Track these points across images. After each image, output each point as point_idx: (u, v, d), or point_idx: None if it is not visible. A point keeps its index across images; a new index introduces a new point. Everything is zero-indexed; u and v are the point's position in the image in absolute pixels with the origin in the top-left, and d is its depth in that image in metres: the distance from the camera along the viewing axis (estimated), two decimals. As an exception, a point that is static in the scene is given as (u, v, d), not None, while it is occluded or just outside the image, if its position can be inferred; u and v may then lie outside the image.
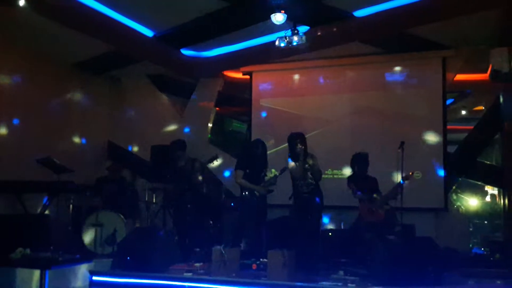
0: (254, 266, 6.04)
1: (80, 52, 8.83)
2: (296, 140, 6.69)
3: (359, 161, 7.15)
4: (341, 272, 5.94)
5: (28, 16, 6.98)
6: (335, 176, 8.83)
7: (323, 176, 7.09)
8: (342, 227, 8.07)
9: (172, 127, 9.98)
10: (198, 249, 6.79)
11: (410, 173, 6.96)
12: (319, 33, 7.63)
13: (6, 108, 8.16)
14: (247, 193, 6.89)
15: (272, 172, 7.84)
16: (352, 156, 7.28)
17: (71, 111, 9.50)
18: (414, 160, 8.17)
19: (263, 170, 7.04)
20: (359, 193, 6.90)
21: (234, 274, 5.78)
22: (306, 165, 6.68)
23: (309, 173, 6.71)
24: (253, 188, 6.85)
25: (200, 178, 7.94)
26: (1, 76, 8.14)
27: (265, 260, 5.90)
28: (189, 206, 7.74)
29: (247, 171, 6.91)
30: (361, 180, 7.04)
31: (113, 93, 10.50)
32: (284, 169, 6.87)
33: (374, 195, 6.81)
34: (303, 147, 6.65)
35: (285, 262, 5.63)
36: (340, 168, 8.76)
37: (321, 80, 9.26)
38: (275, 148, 8.75)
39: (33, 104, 8.67)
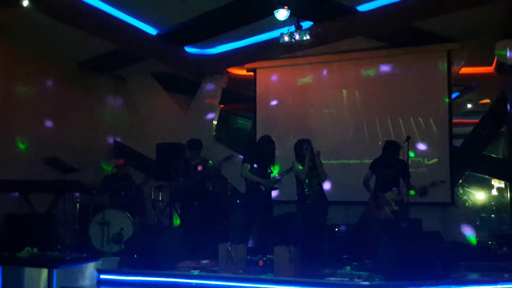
0: (260, 263, 6.03)
1: (84, 51, 8.84)
2: (302, 147, 6.68)
3: (385, 148, 6.91)
4: (348, 268, 5.94)
5: (32, 16, 7.00)
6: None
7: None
8: (348, 222, 8.05)
9: (176, 125, 9.96)
10: (204, 246, 6.80)
11: (440, 181, 6.84)
12: (322, 29, 7.60)
13: (13, 109, 8.18)
14: (252, 189, 6.88)
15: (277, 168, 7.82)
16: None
17: (76, 110, 9.51)
18: (420, 154, 8.16)
19: (270, 167, 7.03)
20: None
21: (241, 271, 5.78)
22: (312, 168, 6.66)
23: (314, 176, 6.70)
24: (259, 181, 6.83)
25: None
26: (5, 77, 8.17)
27: (271, 256, 5.90)
28: (196, 203, 7.76)
29: (255, 166, 6.90)
30: (385, 166, 6.83)
31: (117, 91, 10.52)
32: (288, 170, 6.86)
33: (387, 193, 6.72)
34: (309, 152, 6.64)
35: (292, 258, 5.62)
36: (345, 164, 8.75)
37: (325, 76, 9.22)
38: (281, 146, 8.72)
39: (39, 104, 8.71)
